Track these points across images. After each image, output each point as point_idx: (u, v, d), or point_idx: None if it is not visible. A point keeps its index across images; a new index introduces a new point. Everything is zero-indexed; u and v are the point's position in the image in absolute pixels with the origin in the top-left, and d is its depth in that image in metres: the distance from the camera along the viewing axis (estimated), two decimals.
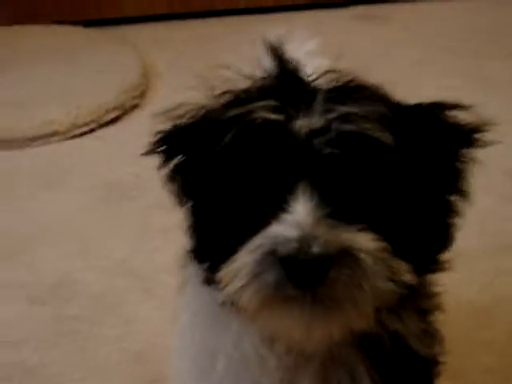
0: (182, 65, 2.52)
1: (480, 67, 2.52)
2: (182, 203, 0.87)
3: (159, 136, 0.85)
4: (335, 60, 0.97)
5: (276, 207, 0.75)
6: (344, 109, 0.75)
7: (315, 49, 1.15)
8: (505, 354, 1.48)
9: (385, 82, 1.96)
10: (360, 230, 0.75)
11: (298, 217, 0.73)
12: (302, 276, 0.72)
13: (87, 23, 2.73)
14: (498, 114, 1.99)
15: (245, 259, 0.75)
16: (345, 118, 0.75)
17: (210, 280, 0.82)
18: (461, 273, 1.59)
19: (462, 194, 0.83)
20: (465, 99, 2.11)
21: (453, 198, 0.82)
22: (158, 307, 1.58)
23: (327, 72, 0.82)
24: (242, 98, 0.81)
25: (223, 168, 0.79)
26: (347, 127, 0.74)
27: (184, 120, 0.85)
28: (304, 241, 0.71)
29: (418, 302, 0.88)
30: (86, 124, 2.17)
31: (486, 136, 0.82)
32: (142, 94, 2.34)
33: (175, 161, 0.86)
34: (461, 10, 2.94)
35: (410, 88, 2.17)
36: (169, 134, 0.85)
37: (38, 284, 1.71)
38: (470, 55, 2.59)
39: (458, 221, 0.83)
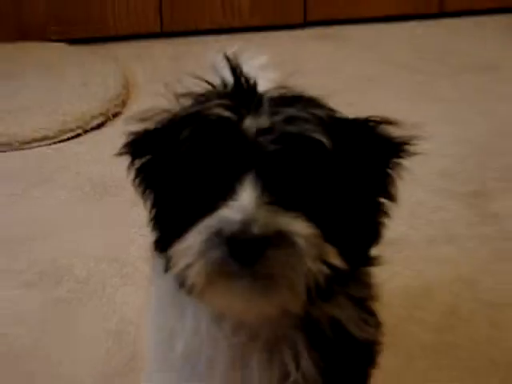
0: (158, 78, 2.52)
1: (428, 83, 2.53)
2: (145, 198, 0.89)
3: (127, 140, 0.88)
4: (289, 76, 1.00)
5: (225, 195, 0.79)
6: (288, 112, 0.79)
7: (266, 63, 1.22)
8: (439, 332, 1.51)
9: (336, 94, 1.99)
10: (297, 217, 0.78)
11: (243, 202, 0.77)
12: (243, 253, 0.75)
13: (73, 41, 2.74)
14: (437, 126, 2.19)
15: (193, 238, 0.78)
16: (288, 120, 0.79)
17: (168, 267, 0.84)
18: (395, 262, 1.61)
19: (391, 197, 0.87)
20: (412, 112, 2.19)
21: (382, 199, 0.87)
22: (135, 291, 1.60)
23: (277, 85, 0.88)
24: (199, 100, 0.85)
25: (180, 161, 0.82)
26: (289, 128, 0.78)
27: (149, 123, 0.87)
28: (246, 222, 0.75)
29: (353, 290, 0.90)
30: (72, 130, 2.22)
31: (414, 148, 0.87)
32: (123, 103, 2.37)
33: (141, 160, 0.88)
34: (412, 31, 2.94)
35: (361, 101, 2.26)
36: (134, 138, 0.88)
37: (30, 270, 1.72)
38: (420, 73, 2.60)
39: (386, 220, 0.87)
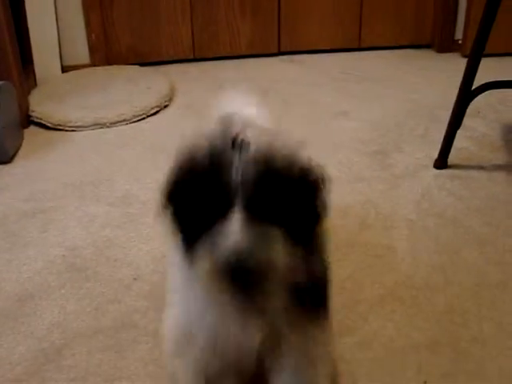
0: (190, 86, 2.71)
1: (347, 86, 2.71)
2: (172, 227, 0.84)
3: (162, 197, 0.83)
4: (263, 94, 0.90)
5: (223, 214, 0.76)
6: (258, 169, 0.76)
7: (251, 103, 1.18)
8: (354, 233, 1.63)
9: (298, 94, 2.28)
10: (274, 238, 0.76)
11: (234, 235, 0.73)
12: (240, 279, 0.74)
13: (142, 64, 2.89)
14: (355, 111, 2.42)
15: (203, 254, 0.76)
16: (257, 175, 0.76)
17: (187, 258, 0.81)
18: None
19: (322, 213, 0.84)
20: (338, 102, 2.48)
21: (317, 213, 0.84)
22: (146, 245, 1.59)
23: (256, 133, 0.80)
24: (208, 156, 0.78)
25: (194, 197, 0.79)
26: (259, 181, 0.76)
27: (175, 175, 0.82)
28: (241, 257, 0.73)
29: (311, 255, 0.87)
30: (140, 115, 2.39)
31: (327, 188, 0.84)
32: (170, 99, 2.54)
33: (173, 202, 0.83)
34: (341, 58, 3.10)
35: (312, 95, 2.55)
36: (167, 193, 0.83)
37: (112, 196, 1.84)
38: (343, 81, 2.77)
39: (322, 221, 0.85)
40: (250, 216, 0.75)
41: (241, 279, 0.74)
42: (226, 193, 0.76)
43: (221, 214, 0.76)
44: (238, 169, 0.75)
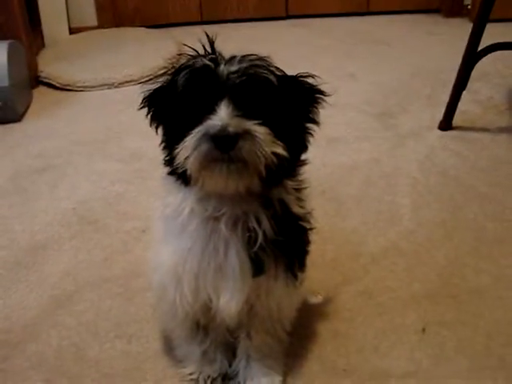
0: (198, 48, 2.89)
1: (353, 49, 2.72)
2: (158, 131, 0.89)
3: (143, 97, 0.90)
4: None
5: (209, 113, 0.80)
6: (249, 62, 0.82)
7: None
8: (359, 188, 1.65)
9: (305, 55, 2.28)
10: (257, 123, 0.81)
11: (221, 115, 0.79)
12: (223, 144, 0.78)
13: (149, 26, 2.93)
14: (361, 74, 2.43)
15: (188, 140, 0.80)
16: (249, 66, 0.82)
17: (172, 163, 0.84)
18: (336, 150, 1.75)
19: (315, 122, 0.89)
20: (345, 65, 2.47)
21: (308, 124, 0.89)
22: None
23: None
24: (192, 58, 0.85)
25: (178, 97, 0.83)
26: (250, 71, 0.82)
27: (160, 81, 0.89)
28: (223, 125, 0.78)
29: (292, 182, 0.92)
30: (148, 76, 2.41)
31: (324, 95, 0.88)
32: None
33: (153, 108, 0.89)
34: (348, 22, 3.12)
35: (318, 57, 2.59)
36: (148, 95, 0.89)
37: (121, 153, 1.87)
38: (349, 44, 2.80)
39: (310, 138, 0.88)
40: (237, 110, 0.80)
41: (224, 144, 0.78)
42: (212, 91, 0.80)
43: (207, 111, 0.80)
44: (224, 69, 0.80)
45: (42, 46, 2.70)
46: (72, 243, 1.49)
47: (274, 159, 0.81)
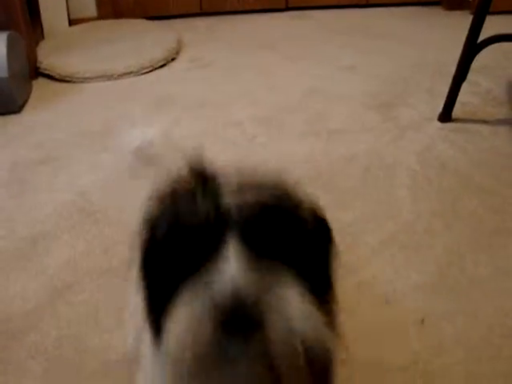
0: (197, 40, 2.71)
1: (351, 41, 2.69)
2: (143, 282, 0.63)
3: (138, 258, 0.65)
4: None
5: (210, 256, 0.55)
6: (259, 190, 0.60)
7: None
8: (357, 179, 1.64)
9: (306, 46, 2.27)
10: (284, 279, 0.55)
11: (232, 266, 0.52)
12: (239, 324, 0.50)
13: (149, 18, 2.87)
14: (361, 65, 2.44)
15: (184, 313, 0.53)
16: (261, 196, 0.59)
17: (160, 340, 0.56)
18: (336, 141, 1.77)
19: (333, 260, 0.69)
20: (344, 56, 2.42)
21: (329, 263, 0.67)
22: None
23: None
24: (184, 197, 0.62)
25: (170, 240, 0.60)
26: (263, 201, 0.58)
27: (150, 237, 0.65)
28: (238, 287, 0.50)
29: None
30: (147, 67, 2.40)
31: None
32: (177, 53, 2.54)
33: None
34: (347, 14, 3.11)
35: (317, 47, 2.56)
36: (143, 256, 0.65)
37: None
38: (346, 35, 2.79)
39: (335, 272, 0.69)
40: (249, 250, 0.54)
41: (240, 331, 0.50)
42: (212, 228, 0.56)
43: (208, 254, 0.55)
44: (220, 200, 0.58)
45: (42, 37, 2.69)
46: (72, 234, 1.49)
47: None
